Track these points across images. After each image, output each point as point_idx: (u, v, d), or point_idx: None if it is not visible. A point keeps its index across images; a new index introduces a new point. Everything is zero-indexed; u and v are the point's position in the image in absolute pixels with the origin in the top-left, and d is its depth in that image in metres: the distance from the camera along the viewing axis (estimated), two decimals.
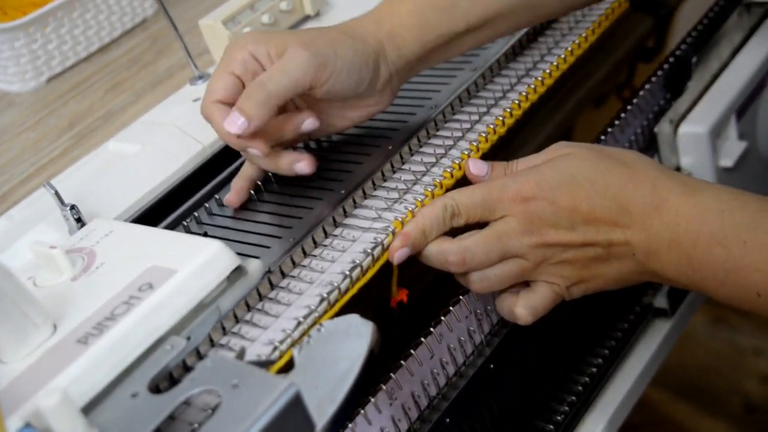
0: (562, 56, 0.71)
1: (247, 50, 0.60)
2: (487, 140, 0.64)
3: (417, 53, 0.63)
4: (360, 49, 0.61)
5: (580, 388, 0.70)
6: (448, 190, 0.60)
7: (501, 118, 0.65)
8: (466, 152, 0.63)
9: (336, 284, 0.54)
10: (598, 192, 0.56)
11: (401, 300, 0.59)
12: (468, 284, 0.58)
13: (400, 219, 0.57)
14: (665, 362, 0.78)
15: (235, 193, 0.64)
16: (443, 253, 0.57)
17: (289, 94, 0.58)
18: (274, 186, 0.66)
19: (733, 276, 0.53)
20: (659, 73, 0.74)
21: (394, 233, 0.57)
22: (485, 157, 0.64)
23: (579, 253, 0.57)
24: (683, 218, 0.55)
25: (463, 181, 0.62)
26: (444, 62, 0.68)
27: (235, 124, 0.57)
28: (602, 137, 0.69)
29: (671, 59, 0.75)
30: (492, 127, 0.65)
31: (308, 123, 0.62)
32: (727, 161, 0.74)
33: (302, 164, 0.61)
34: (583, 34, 0.73)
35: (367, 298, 0.58)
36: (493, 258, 0.57)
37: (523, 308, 0.58)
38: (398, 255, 0.57)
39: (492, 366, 0.61)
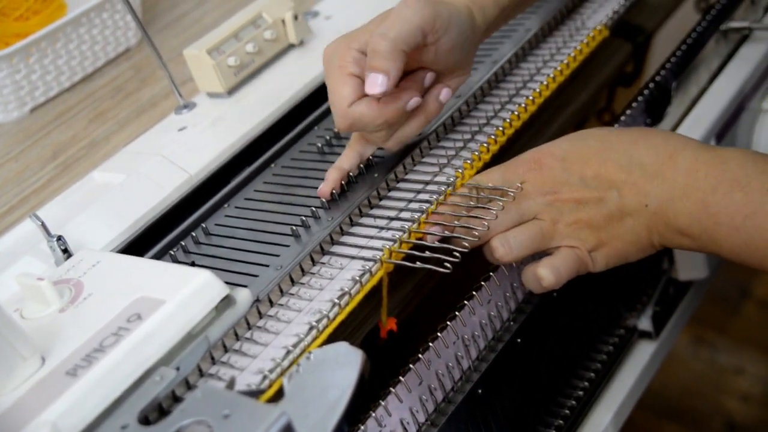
0: (545, 83, 0.72)
1: (353, 48, 0.60)
2: (471, 167, 0.64)
3: (495, 16, 0.66)
4: (460, 9, 0.62)
5: (567, 411, 0.70)
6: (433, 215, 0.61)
7: (486, 145, 0.66)
8: (451, 178, 0.63)
9: (325, 312, 0.54)
10: (608, 148, 0.59)
11: (391, 329, 0.59)
12: (491, 253, 0.59)
13: (388, 246, 0.58)
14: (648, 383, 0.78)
15: (328, 184, 0.64)
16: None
17: (411, 40, 0.58)
18: (261, 213, 0.66)
19: (751, 221, 0.54)
20: (640, 98, 0.75)
21: (382, 261, 0.57)
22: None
23: (593, 211, 0.58)
24: (703, 165, 0.56)
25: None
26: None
27: (375, 84, 0.57)
28: None
29: (651, 85, 0.76)
30: (477, 153, 0.65)
31: (445, 92, 0.63)
32: None
33: (415, 100, 0.61)
34: (565, 61, 0.74)
35: (355, 325, 0.58)
36: (511, 217, 0.59)
37: (545, 268, 0.59)
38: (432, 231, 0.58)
39: (480, 391, 0.61)
